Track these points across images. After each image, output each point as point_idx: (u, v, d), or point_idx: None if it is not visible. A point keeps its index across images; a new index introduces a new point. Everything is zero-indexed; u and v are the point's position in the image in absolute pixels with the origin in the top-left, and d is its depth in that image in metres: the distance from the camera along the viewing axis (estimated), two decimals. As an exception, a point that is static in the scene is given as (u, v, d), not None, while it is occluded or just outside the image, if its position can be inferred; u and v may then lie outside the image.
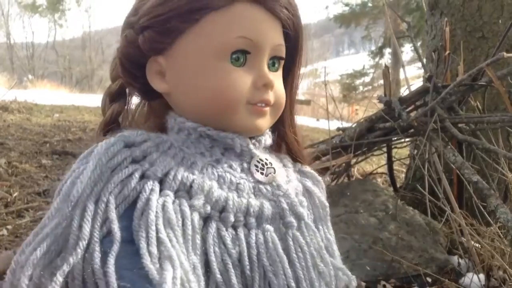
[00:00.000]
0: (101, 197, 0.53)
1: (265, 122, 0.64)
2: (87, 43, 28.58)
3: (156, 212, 0.53)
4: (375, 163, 3.45)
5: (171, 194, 0.56)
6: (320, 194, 0.71)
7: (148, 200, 0.54)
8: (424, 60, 2.41)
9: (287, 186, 0.65)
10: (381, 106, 2.10)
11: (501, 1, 2.10)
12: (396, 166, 2.71)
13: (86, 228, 0.51)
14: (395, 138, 2.11)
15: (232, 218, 0.59)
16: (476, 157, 1.84)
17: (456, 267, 1.60)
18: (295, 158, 0.74)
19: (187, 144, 0.63)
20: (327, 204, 0.72)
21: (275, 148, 0.72)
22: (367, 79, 16.58)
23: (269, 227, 0.60)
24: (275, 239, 0.60)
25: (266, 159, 0.66)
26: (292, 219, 0.62)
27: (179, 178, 0.57)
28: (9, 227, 1.99)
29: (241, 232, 0.59)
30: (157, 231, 0.52)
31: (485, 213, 1.61)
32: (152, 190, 0.55)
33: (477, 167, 1.76)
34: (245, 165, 0.64)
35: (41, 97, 7.92)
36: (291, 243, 0.61)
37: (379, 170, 2.78)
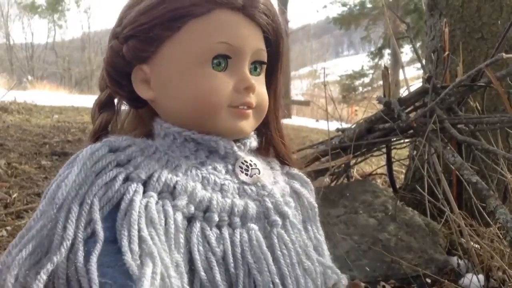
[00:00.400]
0: (86, 199, 0.55)
1: (248, 124, 0.66)
2: (86, 44, 28.60)
3: (139, 212, 0.55)
4: (374, 164, 3.45)
5: (155, 195, 0.58)
6: (309, 195, 0.73)
7: (131, 201, 0.56)
8: (424, 61, 2.41)
9: (272, 186, 0.67)
10: (380, 107, 2.10)
11: (500, 2, 2.10)
12: (395, 167, 2.71)
13: (70, 229, 0.53)
14: (395, 139, 2.11)
15: (216, 218, 0.60)
16: (476, 157, 1.84)
17: (455, 268, 1.60)
18: (283, 161, 0.76)
19: (172, 148, 0.65)
20: (315, 204, 0.73)
21: (263, 151, 0.74)
22: (366, 80, 16.60)
23: (253, 226, 0.62)
24: (259, 237, 0.61)
25: (251, 160, 0.67)
26: (276, 217, 0.64)
27: (163, 180, 0.59)
28: (8, 228, 1.99)
29: (226, 231, 0.60)
30: (139, 230, 0.53)
31: (484, 213, 1.61)
32: (135, 191, 0.57)
33: (477, 167, 1.76)
34: (229, 167, 0.66)
35: (40, 98, 7.92)
36: (275, 240, 0.62)
37: (379, 171, 2.78)
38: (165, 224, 0.56)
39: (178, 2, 0.62)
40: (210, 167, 0.65)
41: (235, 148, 0.66)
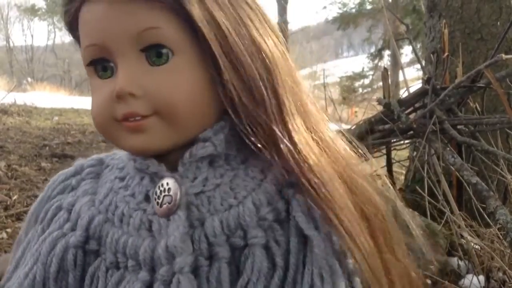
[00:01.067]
0: (30, 220, 0.62)
1: (148, 138, 0.50)
2: (86, 46, 28.58)
3: (36, 248, 0.57)
4: (374, 165, 3.45)
5: (67, 226, 0.56)
6: (306, 226, 0.49)
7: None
8: (423, 62, 2.42)
9: (187, 220, 0.49)
10: (380, 108, 2.10)
11: (499, 3, 2.11)
12: (395, 168, 2.71)
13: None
14: (395, 140, 2.11)
15: (111, 258, 0.52)
16: (475, 158, 1.84)
17: (456, 269, 1.60)
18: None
19: (126, 168, 0.58)
20: (314, 239, 0.48)
21: (263, 156, 0.51)
22: (366, 81, 16.60)
23: (142, 275, 0.50)
24: None
25: (167, 183, 0.51)
26: (163, 270, 0.48)
27: (76, 211, 0.56)
28: (8, 230, 1.99)
29: (116, 277, 0.52)
30: (18, 258, 0.59)
31: (484, 214, 1.61)
32: (57, 222, 0.57)
33: (476, 168, 1.76)
34: (151, 191, 0.53)
35: (40, 100, 7.93)
36: None
37: (379, 172, 2.78)
38: (51, 261, 0.54)
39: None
40: (128, 192, 0.54)
41: (152, 167, 0.52)
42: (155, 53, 0.49)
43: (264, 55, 0.50)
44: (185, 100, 0.49)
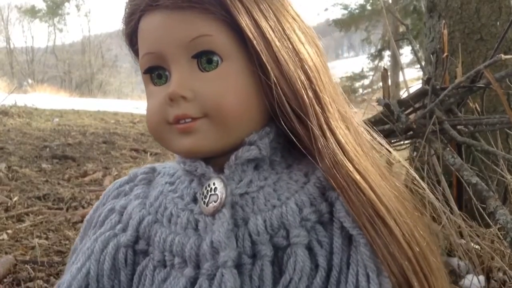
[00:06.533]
0: (88, 223, 0.64)
1: (198, 140, 0.52)
2: (86, 47, 28.66)
3: (90, 244, 0.59)
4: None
5: (119, 227, 0.59)
6: (351, 225, 0.50)
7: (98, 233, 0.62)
8: (423, 63, 2.42)
9: (225, 218, 0.51)
10: (380, 108, 2.10)
11: (499, 3, 2.11)
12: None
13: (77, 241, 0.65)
14: (394, 140, 2.11)
15: (159, 256, 0.55)
16: (475, 159, 1.84)
17: (456, 269, 1.60)
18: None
19: (178, 173, 0.62)
20: (360, 239, 0.49)
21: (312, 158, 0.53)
22: (366, 81, 16.60)
23: (187, 271, 0.52)
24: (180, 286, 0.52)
25: (213, 183, 0.53)
26: (207, 265, 0.50)
27: (129, 213, 0.59)
28: (9, 231, 1.99)
29: (162, 274, 0.54)
30: (76, 261, 0.59)
31: (484, 214, 1.61)
32: (108, 223, 0.60)
33: (476, 168, 1.76)
34: (199, 193, 0.55)
35: (41, 101, 7.95)
36: None
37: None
38: (104, 259, 0.57)
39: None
40: (177, 194, 0.57)
41: (200, 169, 0.54)
42: (205, 59, 0.52)
43: (305, 63, 0.54)
44: (233, 103, 0.51)
